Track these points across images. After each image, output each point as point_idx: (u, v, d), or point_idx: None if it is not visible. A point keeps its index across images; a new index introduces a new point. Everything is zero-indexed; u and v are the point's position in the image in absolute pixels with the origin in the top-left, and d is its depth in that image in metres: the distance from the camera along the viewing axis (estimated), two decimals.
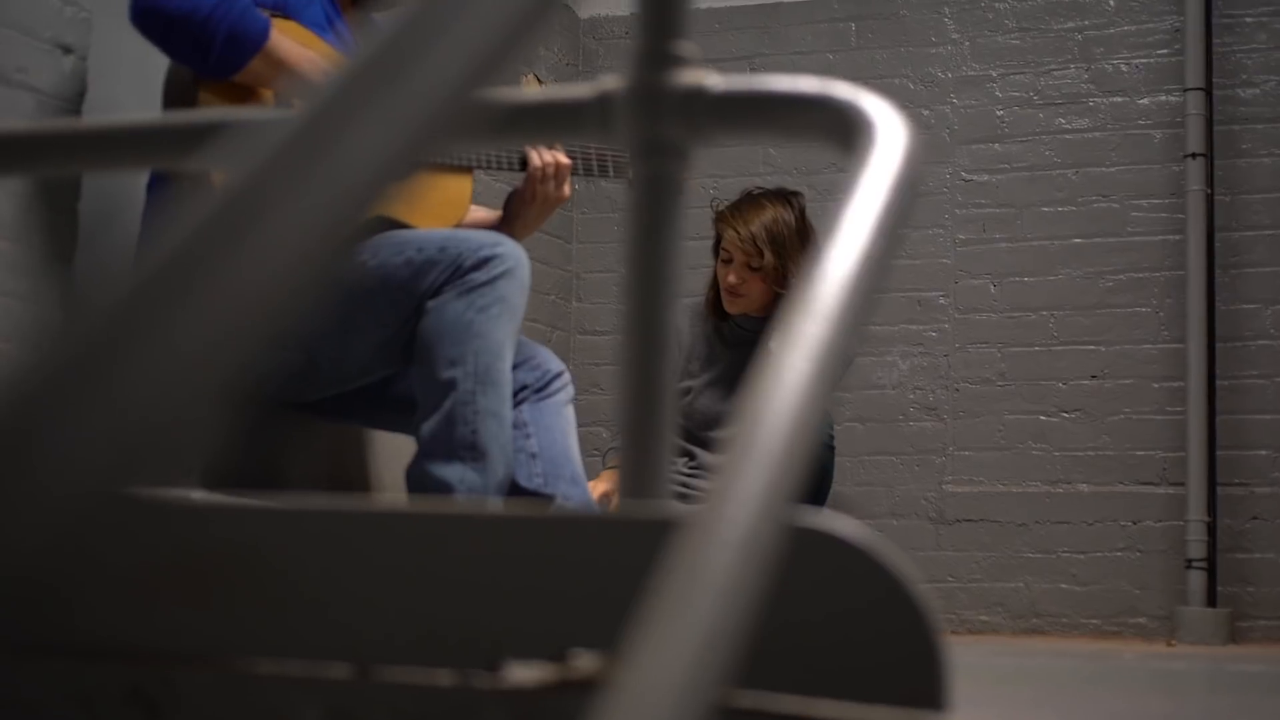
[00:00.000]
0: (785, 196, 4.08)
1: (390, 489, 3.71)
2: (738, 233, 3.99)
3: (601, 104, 1.28)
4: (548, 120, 1.36)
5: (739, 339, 4.12)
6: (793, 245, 4.02)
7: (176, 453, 0.38)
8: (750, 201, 4.06)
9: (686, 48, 1.24)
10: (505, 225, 3.31)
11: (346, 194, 0.45)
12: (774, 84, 1.22)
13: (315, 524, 1.43)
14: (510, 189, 3.42)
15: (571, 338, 5.66)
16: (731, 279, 4.03)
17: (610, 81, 1.27)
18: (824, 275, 0.98)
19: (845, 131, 1.20)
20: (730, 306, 4.08)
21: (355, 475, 3.63)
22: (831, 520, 1.00)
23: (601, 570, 1.02)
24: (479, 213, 3.38)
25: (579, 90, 1.33)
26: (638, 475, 1.21)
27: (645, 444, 1.21)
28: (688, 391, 4.22)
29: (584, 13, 5.74)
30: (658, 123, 1.23)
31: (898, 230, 1.04)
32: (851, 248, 1.00)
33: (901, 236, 1.05)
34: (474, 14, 0.55)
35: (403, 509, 1.39)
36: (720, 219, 4.06)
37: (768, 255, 3.99)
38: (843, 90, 1.23)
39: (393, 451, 3.71)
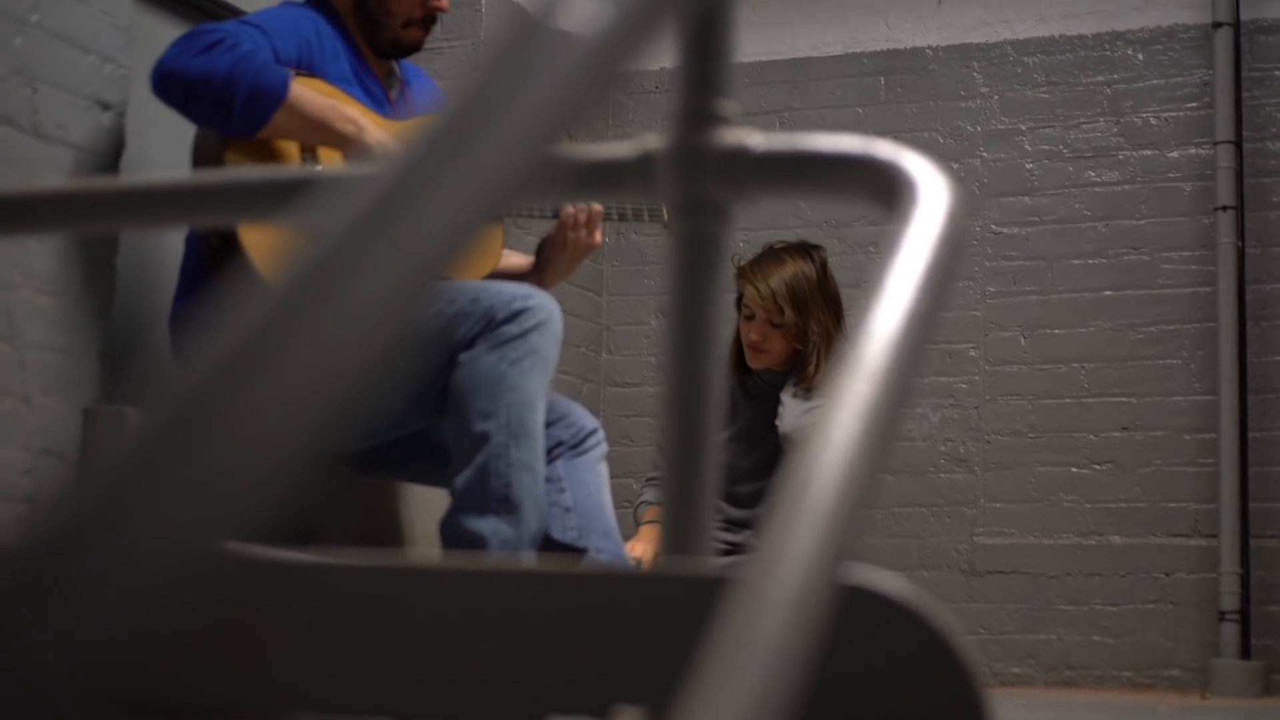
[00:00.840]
0: (807, 250, 4.05)
1: (423, 542, 3.71)
2: (758, 289, 3.97)
3: (643, 163, 1.29)
4: (590, 178, 1.38)
5: (761, 393, 4.11)
6: (814, 301, 3.99)
7: (264, 510, 0.39)
8: (771, 257, 4.03)
9: (728, 106, 1.25)
10: (537, 272, 3.33)
11: (421, 256, 0.46)
12: (816, 143, 1.23)
13: (356, 580, 1.44)
14: (540, 235, 3.44)
15: (602, 390, 5.67)
16: (753, 336, 4.02)
17: (652, 140, 1.28)
18: (870, 334, 0.99)
19: (888, 190, 1.21)
20: (753, 362, 4.07)
21: (389, 528, 3.64)
22: (875, 577, 1.01)
23: (645, 626, 1.03)
24: (512, 258, 3.40)
25: (621, 149, 1.34)
26: (679, 532, 1.22)
27: (686, 501, 1.22)
28: None
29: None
30: (699, 182, 1.24)
31: (942, 288, 1.05)
32: (897, 306, 1.01)
33: (946, 293, 1.06)
34: (540, 80, 0.56)
35: (448, 565, 1.40)
36: (741, 275, 4.04)
37: (788, 312, 3.96)
38: (884, 149, 1.24)
39: (425, 504, 3.72)
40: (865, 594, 0.99)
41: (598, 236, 3.30)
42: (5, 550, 0.36)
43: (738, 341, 4.12)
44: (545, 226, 3.43)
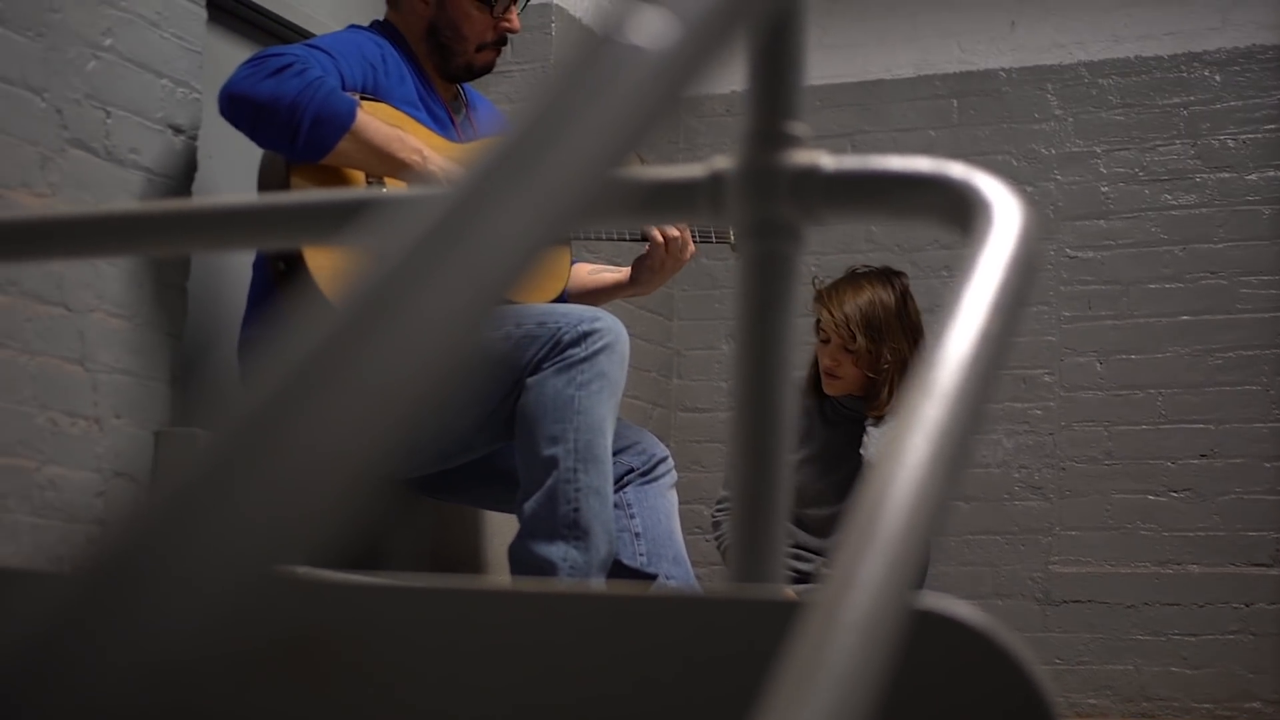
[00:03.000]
0: (887, 277, 4.01)
1: (494, 568, 3.71)
2: (832, 315, 3.94)
3: (713, 184, 1.28)
4: (659, 200, 1.36)
5: (839, 417, 4.08)
6: (889, 328, 3.95)
7: (330, 533, 0.38)
8: (849, 282, 4.00)
9: (798, 127, 1.23)
10: (634, 286, 3.35)
11: (488, 278, 0.45)
12: (888, 164, 1.21)
13: (428, 603, 1.43)
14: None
15: (672, 415, 5.65)
16: (827, 361, 3.99)
17: (722, 161, 1.27)
18: (944, 357, 0.97)
19: (961, 212, 1.19)
20: (828, 388, 4.04)
21: (460, 553, 3.64)
22: (950, 603, 0.99)
23: (717, 651, 1.01)
24: (606, 274, 3.40)
25: (691, 170, 1.32)
26: (750, 558, 1.20)
27: (758, 526, 1.20)
28: None
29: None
30: (770, 203, 1.22)
31: (1016, 310, 1.03)
32: (970, 329, 0.99)
33: (1020, 317, 1.04)
34: (608, 99, 0.55)
35: (519, 589, 1.39)
36: (818, 299, 4.02)
37: (860, 339, 3.93)
38: (957, 170, 1.22)
39: (497, 529, 3.71)
40: (939, 619, 0.97)
41: (691, 249, 3.33)
42: (72, 570, 0.35)
43: (815, 365, 4.10)
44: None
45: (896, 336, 3.96)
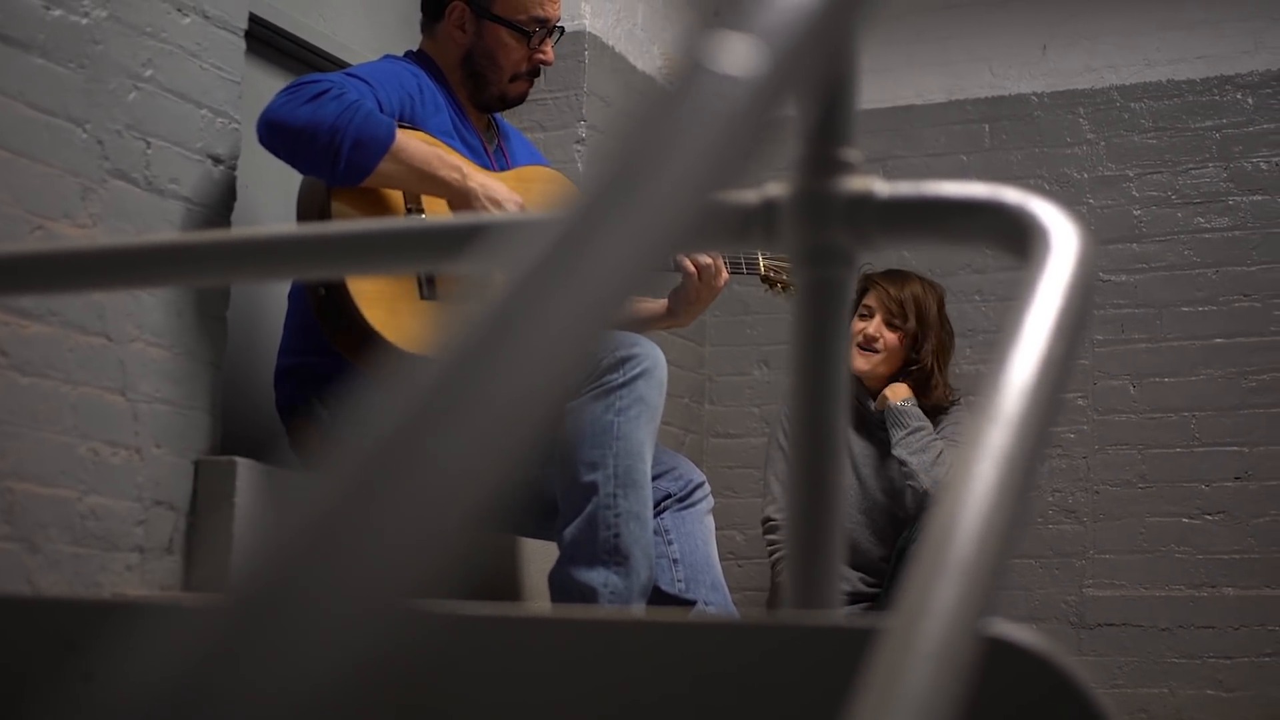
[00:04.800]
0: (930, 283, 4.19)
1: (532, 595, 3.71)
2: (887, 291, 4.10)
3: (767, 210, 1.28)
4: (711, 225, 1.36)
5: (867, 425, 4.15)
6: (931, 324, 4.11)
7: (448, 566, 0.38)
8: (899, 273, 4.17)
9: (852, 153, 1.24)
10: (671, 317, 3.36)
11: (601, 303, 0.45)
12: (942, 190, 1.21)
13: (490, 631, 1.43)
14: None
15: (704, 441, 5.65)
16: (870, 331, 4.11)
17: (775, 187, 1.27)
18: (1007, 382, 0.97)
19: (1017, 237, 1.19)
20: (859, 361, 4.13)
21: (497, 580, 3.64)
22: (1016, 631, 0.99)
23: (781, 678, 1.01)
24: (644, 304, 3.42)
25: (744, 196, 1.33)
26: (806, 583, 1.20)
27: (815, 552, 1.20)
28: None
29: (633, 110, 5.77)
30: (824, 229, 1.22)
31: (1077, 334, 1.03)
32: (1033, 354, 0.99)
33: (1081, 341, 1.04)
34: (708, 125, 0.55)
35: (585, 616, 1.38)
36: (868, 279, 4.16)
37: (911, 319, 4.08)
38: (1012, 195, 1.23)
39: (531, 556, 3.71)
40: (1006, 646, 0.97)
41: (724, 276, 3.33)
42: (217, 603, 0.35)
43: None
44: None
45: (936, 335, 4.10)
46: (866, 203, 1.23)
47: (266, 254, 1.49)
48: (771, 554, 4.32)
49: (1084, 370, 5.22)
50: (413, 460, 0.37)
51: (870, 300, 4.18)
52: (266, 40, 3.53)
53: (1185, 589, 5.02)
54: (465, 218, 2.88)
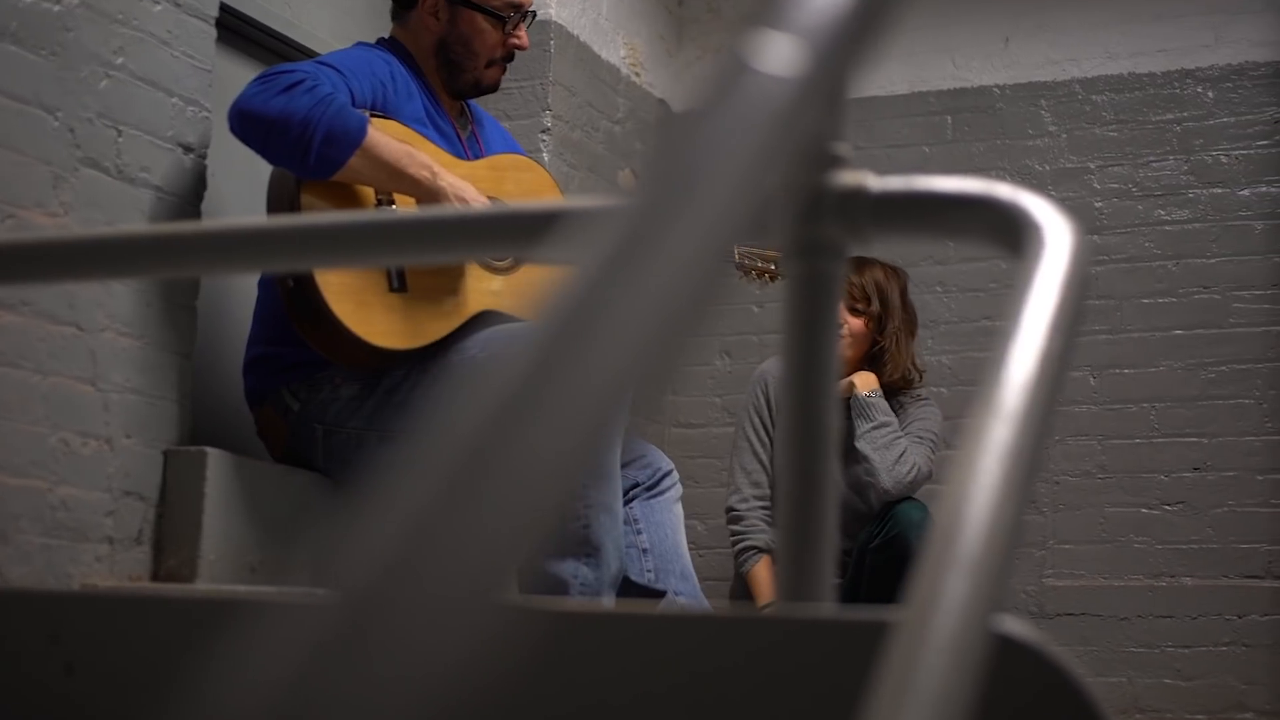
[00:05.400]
0: (893, 268, 4.20)
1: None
2: (849, 278, 4.09)
3: (760, 204, 1.28)
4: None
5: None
6: (894, 307, 4.13)
7: (537, 553, 0.38)
8: (861, 259, 4.17)
9: (843, 148, 1.24)
10: None
11: (673, 296, 0.46)
12: (934, 185, 1.22)
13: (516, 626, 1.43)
14: None
15: (667, 431, 5.66)
16: None
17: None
18: (1007, 378, 0.98)
19: (1010, 233, 1.20)
20: None
21: None
22: (1015, 626, 1.00)
23: (780, 671, 1.02)
24: None
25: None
26: (798, 575, 1.20)
27: (806, 543, 1.20)
28: (773, 461, 4.23)
29: (678, 107, 5.78)
30: (816, 223, 1.23)
31: (1075, 330, 1.04)
32: (1032, 349, 1.00)
33: (1077, 336, 1.05)
34: (759, 127, 0.56)
35: (591, 611, 1.39)
36: None
37: (874, 303, 4.09)
38: (1004, 191, 1.23)
39: None
40: (1007, 642, 0.98)
41: None
42: (323, 601, 0.35)
43: None
44: None
45: (898, 316, 4.12)
46: (858, 197, 1.24)
47: (240, 246, 1.48)
48: (735, 544, 4.33)
49: None
50: (507, 453, 0.38)
51: None
52: (234, 29, 3.52)
53: (1144, 579, 5.06)
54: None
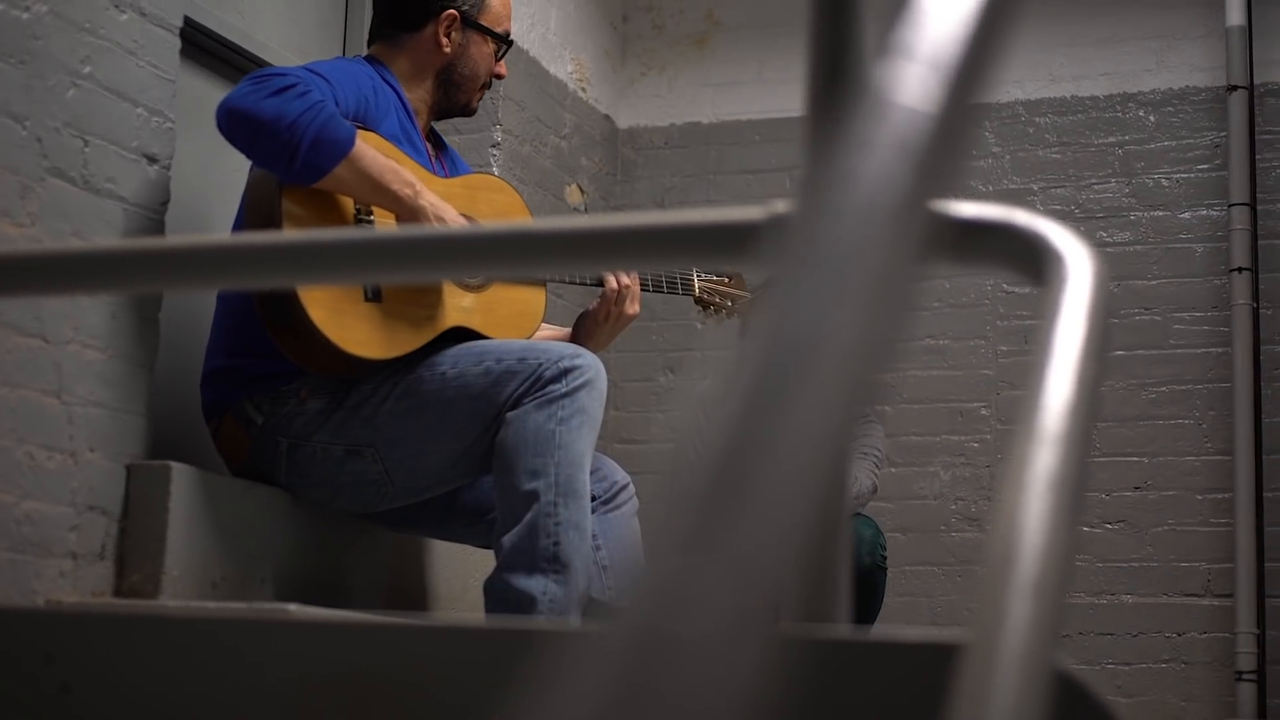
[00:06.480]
0: None
1: (446, 600, 3.70)
2: None
3: (775, 227, 1.29)
4: (719, 242, 1.37)
5: None
6: None
7: (791, 574, 0.39)
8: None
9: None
10: (577, 343, 3.32)
11: (883, 307, 0.46)
12: (953, 211, 1.23)
13: (472, 642, 1.43)
14: (571, 305, 3.44)
15: (609, 447, 5.66)
16: None
17: (782, 205, 1.29)
18: (1047, 404, 0.99)
19: (1032, 260, 1.21)
20: None
21: (413, 586, 3.63)
22: (1065, 662, 1.01)
23: (851, 694, 1.02)
24: (546, 331, 3.39)
25: (750, 212, 1.34)
26: (813, 596, 1.21)
27: (821, 564, 1.21)
28: None
29: (622, 123, 5.80)
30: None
31: (1105, 355, 1.06)
32: (1069, 376, 1.02)
33: (1108, 361, 1.07)
34: (912, 158, 0.57)
35: (570, 630, 1.39)
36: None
37: None
38: (1022, 218, 1.25)
39: (446, 562, 3.70)
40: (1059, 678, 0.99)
41: (637, 306, 3.29)
42: (606, 631, 0.36)
43: None
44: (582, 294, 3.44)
45: None
46: None
47: (229, 260, 1.47)
48: None
49: (987, 380, 5.30)
50: (769, 482, 0.38)
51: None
52: (193, 40, 3.50)
53: (1085, 596, 5.11)
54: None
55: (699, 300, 3.56)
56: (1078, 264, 1.18)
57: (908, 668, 0.97)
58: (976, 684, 0.77)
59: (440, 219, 2.93)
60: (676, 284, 3.48)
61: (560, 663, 0.35)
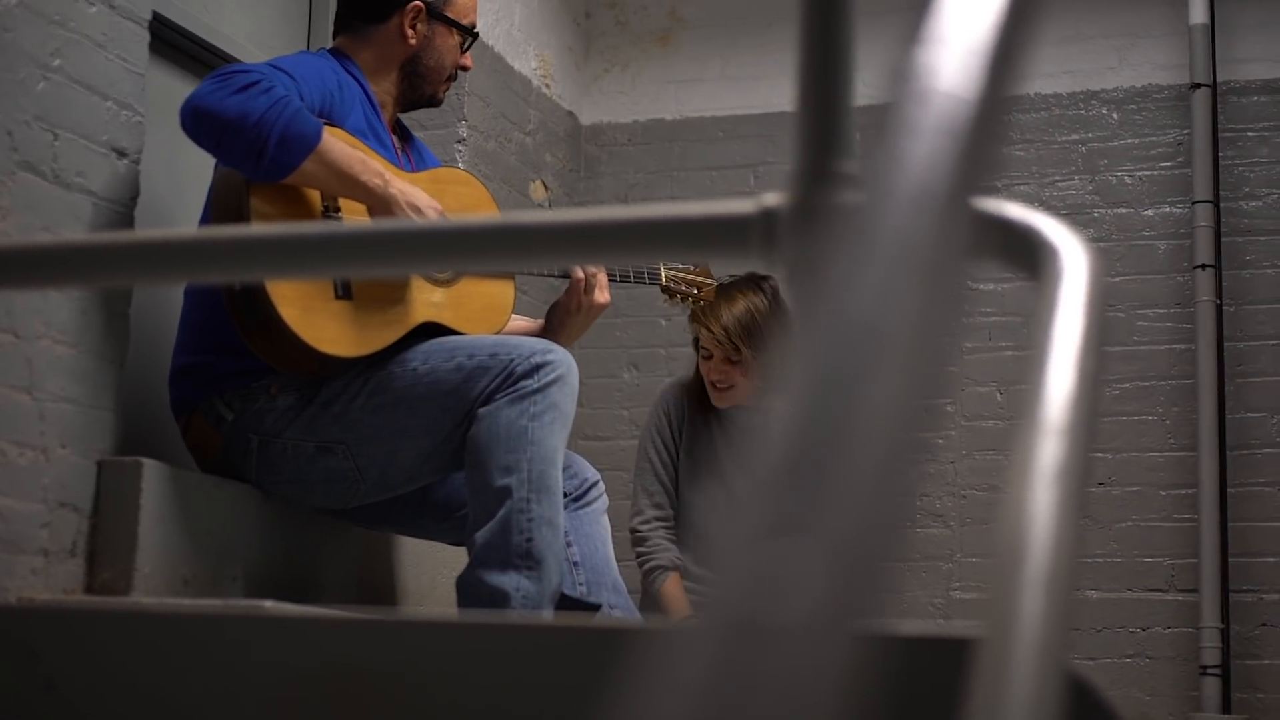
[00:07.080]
0: (756, 282, 4.02)
1: (415, 596, 3.69)
2: (711, 331, 3.96)
3: (766, 221, 1.29)
4: (709, 236, 1.37)
5: (736, 428, 4.13)
6: (769, 333, 4.00)
7: (883, 576, 0.39)
8: (722, 295, 3.98)
9: (850, 165, 1.25)
10: (548, 335, 3.31)
11: (941, 291, 0.46)
12: None
13: (467, 639, 1.42)
14: (528, 295, 3.44)
15: (573, 443, 5.64)
16: (713, 375, 4.03)
17: (773, 198, 1.28)
18: (1049, 398, 0.99)
19: (1026, 254, 1.22)
20: (718, 400, 4.08)
21: (383, 582, 3.62)
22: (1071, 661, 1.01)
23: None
24: (518, 323, 3.38)
25: (740, 206, 1.33)
26: None
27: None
28: (675, 481, 4.21)
29: (586, 120, 5.79)
30: (821, 240, 1.23)
31: (1104, 349, 1.06)
32: (1069, 370, 1.02)
33: (1106, 354, 1.07)
34: (957, 140, 0.56)
35: (560, 625, 1.38)
36: (693, 317, 4.03)
37: (744, 350, 3.96)
38: (1015, 212, 1.25)
39: (415, 559, 3.69)
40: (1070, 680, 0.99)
41: (607, 295, 3.29)
42: (696, 628, 0.35)
43: (699, 380, 4.13)
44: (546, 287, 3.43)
45: (777, 339, 4.00)
46: None
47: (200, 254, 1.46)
48: (642, 564, 4.29)
49: (951, 377, 5.31)
50: (857, 479, 0.38)
51: (704, 342, 4.06)
52: (160, 35, 3.48)
53: None
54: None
55: (665, 289, 3.56)
56: (1073, 257, 1.18)
57: (916, 663, 0.97)
58: (992, 679, 0.77)
59: (413, 205, 2.92)
60: (644, 274, 3.48)
61: (654, 657, 0.35)
